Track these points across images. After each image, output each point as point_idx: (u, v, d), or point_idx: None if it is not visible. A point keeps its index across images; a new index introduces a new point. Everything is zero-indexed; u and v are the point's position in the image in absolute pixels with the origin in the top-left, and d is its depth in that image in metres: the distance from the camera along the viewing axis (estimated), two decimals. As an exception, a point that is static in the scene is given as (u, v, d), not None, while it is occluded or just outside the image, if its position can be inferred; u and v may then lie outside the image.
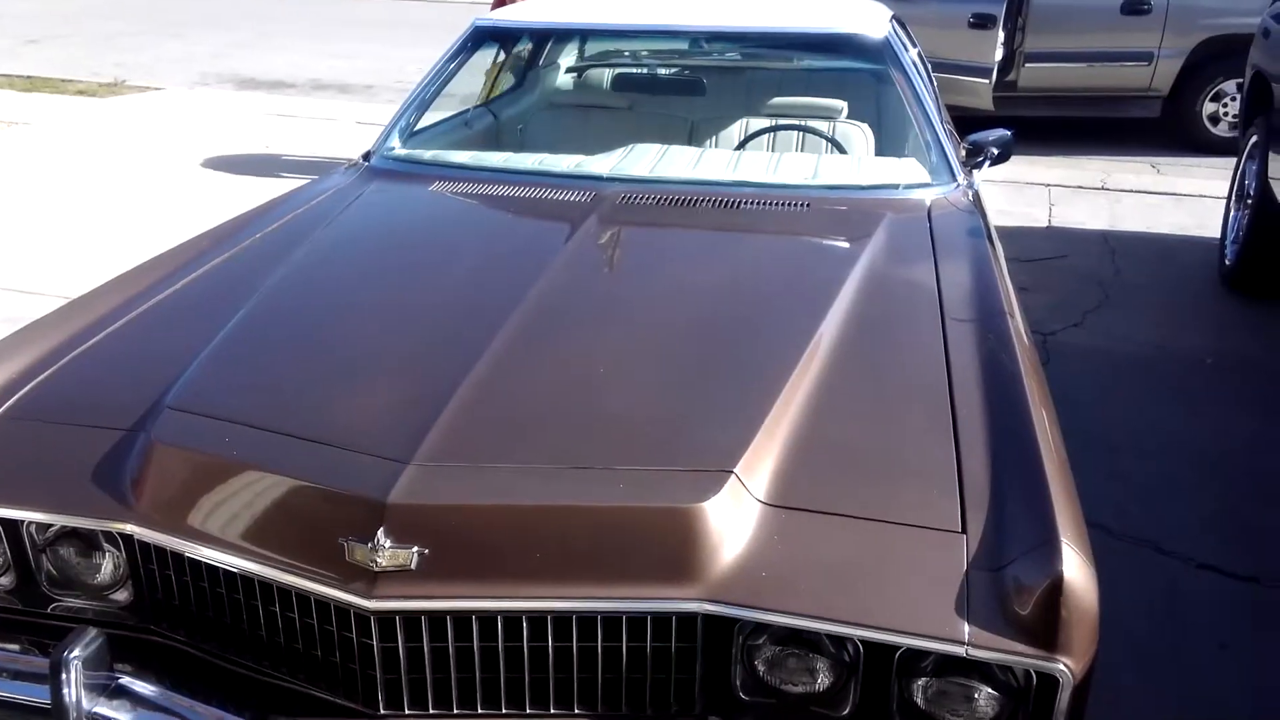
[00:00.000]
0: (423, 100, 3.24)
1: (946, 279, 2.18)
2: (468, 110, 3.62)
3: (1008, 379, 1.78)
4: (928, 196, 2.67)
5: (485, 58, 3.80)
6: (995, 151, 2.99)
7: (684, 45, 3.63)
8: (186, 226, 5.35)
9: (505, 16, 3.43)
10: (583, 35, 3.69)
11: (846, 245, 2.38)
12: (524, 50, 3.98)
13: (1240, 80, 7.73)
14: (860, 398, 1.74)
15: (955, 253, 2.34)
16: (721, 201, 2.58)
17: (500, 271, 2.19)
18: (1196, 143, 7.97)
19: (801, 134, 3.39)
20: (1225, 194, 6.64)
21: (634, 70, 3.79)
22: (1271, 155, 4.22)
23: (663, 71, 3.76)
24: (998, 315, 2.02)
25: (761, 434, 1.58)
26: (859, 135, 3.34)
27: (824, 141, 3.33)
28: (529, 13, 3.41)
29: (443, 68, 3.30)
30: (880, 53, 3.15)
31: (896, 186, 2.71)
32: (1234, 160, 4.89)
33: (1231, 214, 5.03)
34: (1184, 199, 6.66)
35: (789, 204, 2.57)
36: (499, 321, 1.89)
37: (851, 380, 1.78)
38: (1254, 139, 4.78)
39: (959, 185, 2.77)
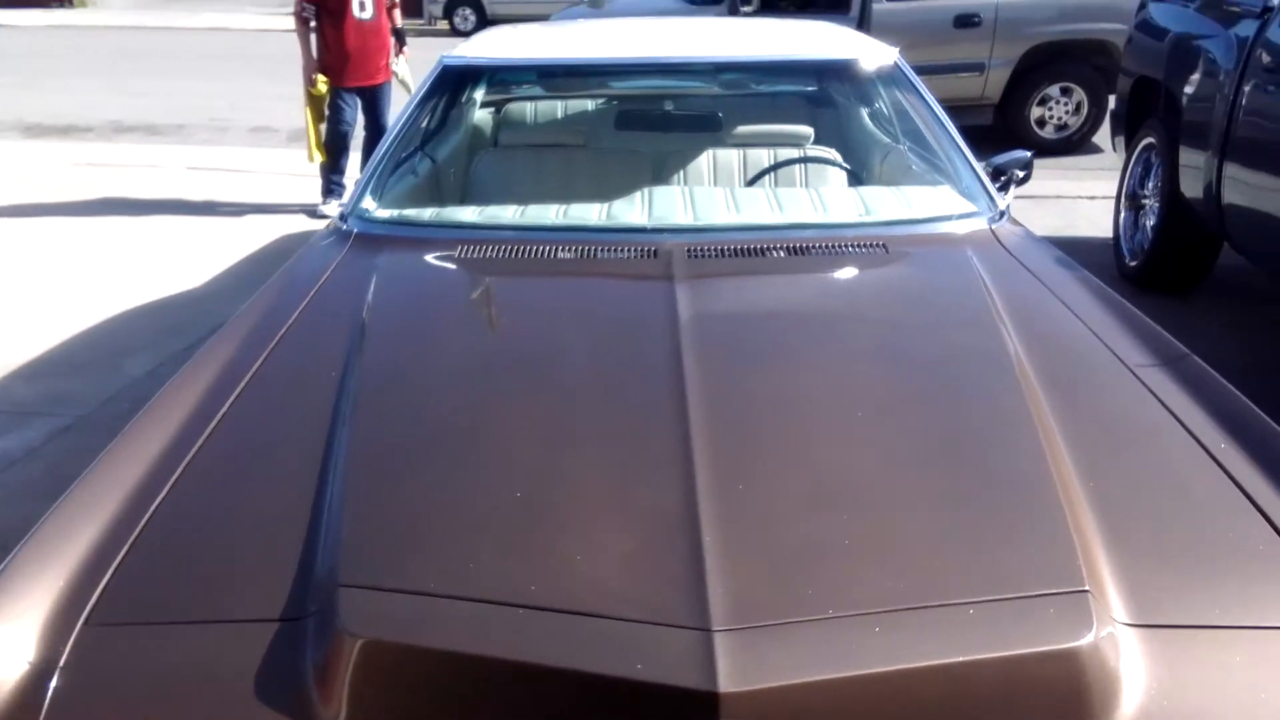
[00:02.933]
0: (397, 152, 2.84)
1: (1088, 318, 2.05)
2: (412, 157, 3.22)
3: (1251, 430, 1.65)
4: (983, 225, 2.55)
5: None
6: (1020, 174, 2.92)
7: (672, 78, 3.39)
8: (59, 303, 4.61)
9: (470, 53, 3.06)
10: (568, 72, 3.37)
11: (961, 289, 2.20)
12: (450, 91, 3.61)
13: (1064, 84, 8.36)
14: (1129, 475, 1.55)
15: (1067, 287, 2.21)
16: (793, 248, 2.36)
17: (625, 361, 1.87)
18: (1026, 146, 8.29)
19: (773, 163, 3.23)
20: (1078, 194, 7.08)
21: (602, 106, 3.52)
22: (1184, 150, 4.40)
23: (630, 107, 3.49)
24: (1177, 357, 1.90)
25: (1076, 537, 1.37)
26: (836, 161, 3.22)
27: (797, 170, 3.19)
28: (499, 49, 3.08)
29: (414, 114, 2.91)
30: (898, 80, 3.03)
31: (949, 217, 2.57)
32: (1064, 159, 5.15)
33: (1123, 215, 5.26)
34: (1042, 200, 6.95)
35: (866, 245, 2.38)
36: (679, 428, 1.58)
37: (1103, 456, 1.59)
38: (1144, 142, 5.02)
39: (1004, 211, 2.67)
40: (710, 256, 2.30)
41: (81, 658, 1.27)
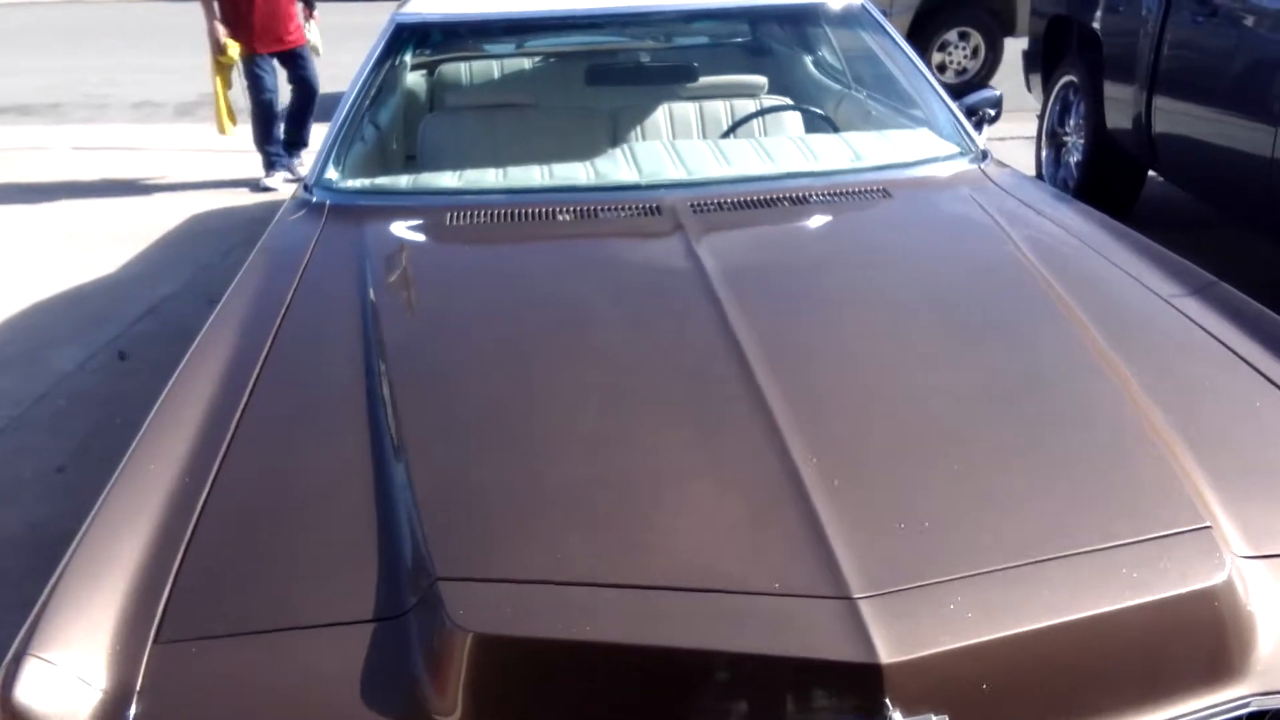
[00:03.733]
0: (356, 117, 2.68)
1: (1108, 253, 2.06)
2: (370, 123, 3.05)
3: None
4: (973, 166, 2.55)
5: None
6: (991, 113, 2.92)
7: (632, 32, 3.28)
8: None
9: (423, 9, 2.90)
10: (528, 27, 3.22)
11: (977, 230, 2.19)
12: (404, 51, 3.42)
13: (961, 29, 8.53)
14: (1198, 407, 1.54)
15: (1077, 223, 2.23)
16: (797, 196, 2.31)
17: (666, 321, 1.78)
18: (929, 91, 8.56)
19: (730, 113, 3.18)
20: (989, 136, 7.22)
21: (555, 62, 3.38)
22: (1108, 85, 4.50)
23: (588, 62, 3.36)
24: (1207, 284, 1.92)
25: (1179, 470, 1.37)
26: (794, 111, 3.18)
27: (755, 122, 3.14)
28: (451, 4, 2.92)
29: (369, 78, 2.74)
30: (865, 21, 2.99)
31: (939, 159, 2.57)
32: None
33: (1045, 153, 5.38)
34: (955, 142, 7.10)
35: (869, 191, 2.35)
36: (748, 386, 1.52)
37: (1168, 389, 1.57)
38: (1063, 80, 5.12)
39: (985, 151, 2.67)
40: (715, 210, 2.24)
41: (159, 680, 1.16)
